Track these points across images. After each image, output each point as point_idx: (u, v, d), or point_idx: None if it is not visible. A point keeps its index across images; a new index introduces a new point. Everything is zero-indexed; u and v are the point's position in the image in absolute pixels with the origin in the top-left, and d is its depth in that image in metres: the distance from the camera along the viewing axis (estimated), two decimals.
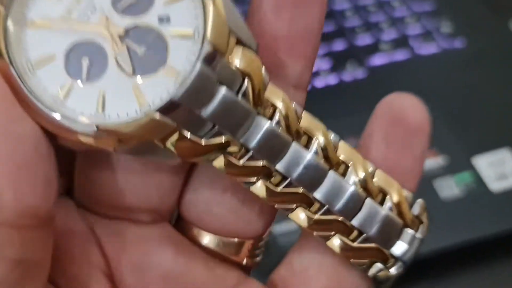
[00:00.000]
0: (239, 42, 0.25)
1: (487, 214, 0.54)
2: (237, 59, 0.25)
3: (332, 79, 0.64)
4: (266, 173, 0.26)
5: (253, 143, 0.25)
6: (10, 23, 0.24)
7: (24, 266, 0.23)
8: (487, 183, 0.55)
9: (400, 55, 0.66)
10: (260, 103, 0.26)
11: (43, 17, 0.25)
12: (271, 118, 0.26)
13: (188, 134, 0.24)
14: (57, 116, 0.23)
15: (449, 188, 0.55)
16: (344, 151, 0.27)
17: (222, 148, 0.25)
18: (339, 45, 0.67)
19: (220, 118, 0.25)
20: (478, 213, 0.54)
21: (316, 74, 0.64)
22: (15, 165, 0.22)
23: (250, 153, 0.25)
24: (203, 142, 0.25)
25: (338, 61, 0.65)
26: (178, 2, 0.25)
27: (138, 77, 0.24)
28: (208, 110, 0.24)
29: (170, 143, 0.24)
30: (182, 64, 0.24)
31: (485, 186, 0.55)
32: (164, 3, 0.25)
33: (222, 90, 0.24)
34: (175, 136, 0.24)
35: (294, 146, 0.26)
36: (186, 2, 0.25)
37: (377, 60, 0.66)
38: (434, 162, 0.56)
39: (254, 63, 0.25)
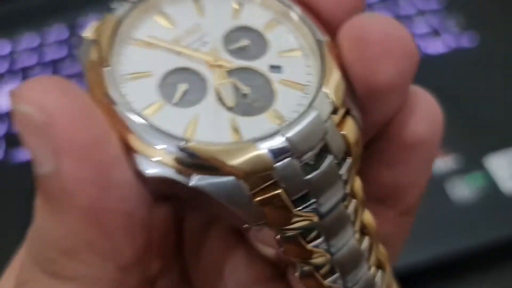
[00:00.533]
0: (348, 112, 0.24)
1: (499, 216, 0.53)
2: (347, 127, 0.24)
3: None
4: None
5: (337, 254, 0.24)
6: (117, 38, 0.24)
7: None
8: (499, 184, 0.54)
9: None
10: (349, 182, 0.25)
11: (150, 37, 0.25)
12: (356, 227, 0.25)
13: (282, 192, 0.22)
14: (140, 124, 0.22)
15: (460, 189, 0.53)
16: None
17: (306, 231, 0.24)
18: None
19: (318, 184, 0.23)
20: (490, 216, 0.52)
21: None
22: (128, 218, 0.21)
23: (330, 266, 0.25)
24: (294, 209, 0.23)
25: None
26: (292, 56, 0.25)
27: (237, 113, 0.24)
28: (310, 175, 0.23)
29: (258, 198, 0.22)
30: (289, 111, 0.24)
31: (497, 187, 0.54)
32: (278, 53, 0.26)
33: (330, 157, 0.23)
34: (266, 191, 0.22)
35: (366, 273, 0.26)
36: (300, 58, 0.25)
37: None
38: (444, 162, 0.55)
39: (359, 138, 0.25)
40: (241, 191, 0.21)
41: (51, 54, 0.69)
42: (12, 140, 0.62)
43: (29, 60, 0.69)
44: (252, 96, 0.24)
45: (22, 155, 0.60)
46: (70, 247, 0.21)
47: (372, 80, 0.24)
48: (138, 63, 0.24)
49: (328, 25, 0.26)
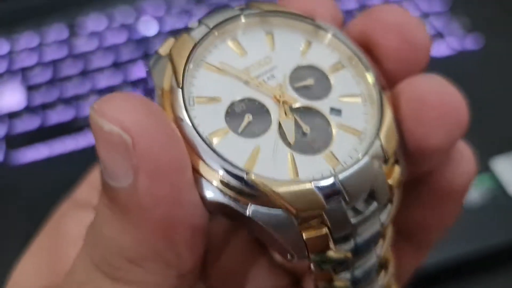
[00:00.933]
0: (397, 162, 0.26)
1: (506, 218, 0.52)
2: (394, 177, 0.26)
3: None
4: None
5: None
6: (192, 60, 0.26)
7: None
8: (506, 186, 0.54)
9: None
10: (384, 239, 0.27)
11: (222, 63, 0.26)
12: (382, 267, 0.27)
13: (327, 232, 0.24)
14: (206, 149, 0.24)
15: (469, 192, 0.53)
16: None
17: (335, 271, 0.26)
18: None
19: (360, 227, 0.25)
20: (497, 218, 0.52)
21: None
22: (192, 232, 0.23)
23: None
24: (334, 247, 0.25)
25: None
26: (353, 101, 0.27)
27: (296, 150, 0.25)
28: (355, 218, 0.25)
29: (305, 233, 0.24)
30: (344, 155, 0.25)
31: (503, 189, 0.53)
32: (339, 96, 0.27)
33: (374, 204, 0.25)
34: (313, 227, 0.24)
35: None
36: (360, 104, 0.27)
37: None
38: None
39: (402, 188, 0.27)
40: (291, 224, 0.23)
41: (51, 54, 0.68)
42: (12, 142, 0.61)
43: (29, 60, 0.68)
44: (311, 135, 0.25)
45: (22, 157, 0.59)
46: (137, 256, 0.22)
47: (424, 141, 0.26)
48: (209, 88, 0.26)
49: (388, 77, 0.27)
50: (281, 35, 0.28)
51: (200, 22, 0.27)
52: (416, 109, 0.26)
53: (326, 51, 0.28)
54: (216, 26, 0.27)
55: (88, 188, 0.32)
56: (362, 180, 0.24)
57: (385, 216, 0.26)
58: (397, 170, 0.25)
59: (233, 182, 0.23)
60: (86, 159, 0.57)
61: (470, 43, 0.66)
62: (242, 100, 0.26)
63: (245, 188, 0.23)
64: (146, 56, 0.66)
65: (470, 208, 0.52)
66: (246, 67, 0.26)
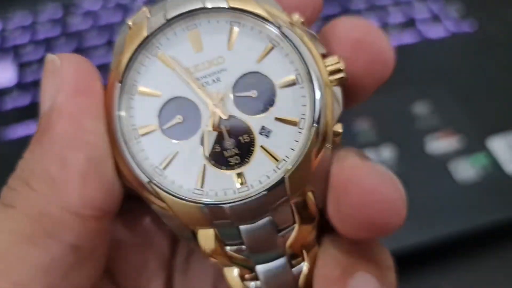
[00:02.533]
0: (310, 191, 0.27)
1: (502, 196, 0.52)
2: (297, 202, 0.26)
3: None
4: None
5: (263, 277, 0.27)
6: (144, 51, 0.26)
7: (80, 252, 0.25)
8: (503, 165, 0.53)
9: (408, 38, 0.64)
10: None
11: (171, 57, 0.26)
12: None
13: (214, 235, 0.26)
14: (128, 145, 0.25)
15: (464, 170, 0.53)
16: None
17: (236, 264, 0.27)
18: None
19: (252, 241, 0.26)
20: (494, 196, 0.52)
21: None
22: (87, 157, 0.24)
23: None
24: (227, 249, 0.26)
25: None
26: (287, 126, 0.26)
27: (211, 162, 0.26)
28: (244, 227, 0.26)
29: (199, 232, 0.26)
30: (254, 178, 0.25)
31: (500, 168, 0.53)
32: (275, 119, 0.26)
33: (266, 219, 0.26)
34: (208, 232, 0.26)
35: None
36: (293, 131, 0.26)
37: None
38: (448, 142, 0.54)
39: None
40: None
41: (44, 32, 0.67)
42: (3, 118, 0.60)
43: (21, 38, 0.67)
44: (232, 151, 0.26)
45: (12, 133, 0.58)
46: (31, 177, 0.24)
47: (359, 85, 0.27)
48: (154, 80, 0.26)
49: (352, 90, 0.27)
50: (243, 35, 0.27)
51: (162, 7, 0.27)
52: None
53: (284, 62, 0.26)
54: (178, 17, 0.26)
55: None
56: (254, 211, 0.25)
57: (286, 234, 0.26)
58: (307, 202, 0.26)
59: (141, 179, 0.25)
60: None
61: (465, 25, 0.66)
62: (178, 99, 0.26)
63: (150, 188, 0.25)
64: None
65: (467, 186, 0.52)
66: (195, 65, 0.26)
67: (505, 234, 0.51)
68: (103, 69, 0.64)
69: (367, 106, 0.56)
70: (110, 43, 0.65)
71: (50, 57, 0.26)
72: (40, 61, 0.64)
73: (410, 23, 0.66)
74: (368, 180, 0.25)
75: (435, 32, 0.65)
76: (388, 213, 0.24)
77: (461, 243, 0.50)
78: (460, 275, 0.50)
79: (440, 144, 0.54)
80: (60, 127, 0.24)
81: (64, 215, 0.24)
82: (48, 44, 0.66)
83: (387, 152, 0.54)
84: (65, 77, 0.25)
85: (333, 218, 0.26)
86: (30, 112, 0.60)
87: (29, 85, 0.62)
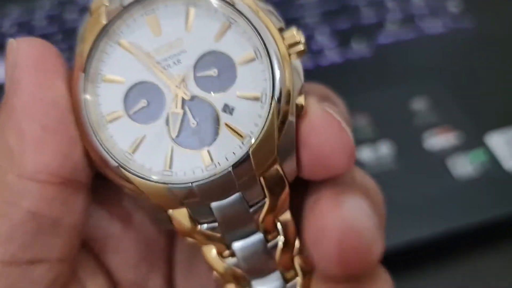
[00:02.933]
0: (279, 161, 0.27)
1: (501, 193, 0.52)
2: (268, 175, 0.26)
3: (337, 57, 0.62)
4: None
5: (240, 253, 0.27)
6: (105, 39, 0.26)
7: (41, 219, 0.25)
8: (501, 161, 0.53)
9: (407, 34, 0.64)
10: (270, 230, 0.28)
11: (132, 44, 0.26)
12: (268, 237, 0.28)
13: (187, 215, 0.26)
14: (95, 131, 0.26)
15: (462, 166, 0.52)
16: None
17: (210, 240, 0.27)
18: (343, 23, 0.65)
19: (224, 218, 0.26)
20: (493, 192, 0.51)
21: (321, 52, 0.62)
22: (42, 126, 0.24)
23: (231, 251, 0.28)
24: (198, 227, 0.27)
25: (343, 39, 0.63)
26: (250, 102, 0.26)
27: (178, 143, 0.26)
28: (215, 205, 0.26)
29: (172, 213, 0.26)
30: (220, 155, 0.26)
31: (499, 164, 0.53)
32: (238, 93, 0.26)
33: (236, 195, 0.26)
34: (181, 211, 0.26)
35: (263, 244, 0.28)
36: (256, 106, 0.26)
37: (383, 38, 0.64)
38: (447, 139, 0.54)
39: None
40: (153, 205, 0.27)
41: (41, 29, 0.67)
42: None
43: (18, 35, 0.67)
44: (197, 129, 0.26)
45: None
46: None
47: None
48: (117, 67, 0.26)
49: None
50: (200, 16, 0.27)
51: None
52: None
53: (242, 39, 0.26)
54: (135, 3, 0.26)
55: None
56: (221, 188, 0.25)
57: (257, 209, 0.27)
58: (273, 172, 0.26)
59: (110, 164, 0.26)
60: None
61: (464, 21, 0.66)
62: (142, 84, 0.26)
63: (121, 173, 0.25)
64: None
65: (465, 182, 0.52)
66: (156, 49, 0.26)
67: (504, 231, 0.51)
68: None
69: (364, 102, 0.56)
70: None
71: (10, 40, 0.26)
72: None
73: (408, 19, 0.66)
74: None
75: (434, 28, 0.65)
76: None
77: (459, 240, 0.50)
78: (458, 271, 0.49)
79: (438, 140, 0.54)
80: (16, 100, 0.25)
81: (21, 182, 0.24)
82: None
83: (384, 149, 0.54)
84: (21, 55, 0.26)
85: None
86: None
87: None
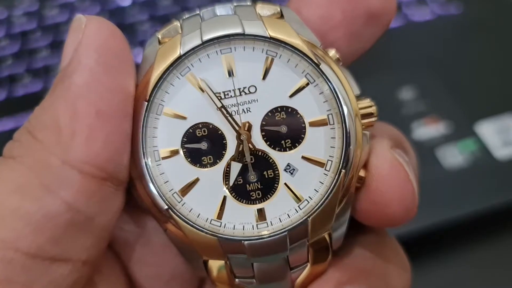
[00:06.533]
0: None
1: (492, 182, 0.51)
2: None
3: None
4: None
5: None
6: (175, 70, 0.25)
7: (76, 215, 0.23)
8: (492, 150, 0.52)
9: (394, 22, 0.63)
10: None
11: (202, 80, 0.25)
12: None
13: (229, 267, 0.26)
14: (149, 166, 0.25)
15: (453, 156, 0.51)
16: None
17: None
18: None
19: (264, 276, 0.26)
20: (484, 181, 0.50)
21: None
22: (97, 111, 0.23)
23: None
24: (236, 281, 0.26)
25: None
26: (313, 166, 0.25)
27: (232, 194, 0.25)
28: (259, 263, 0.25)
29: (212, 264, 0.26)
30: (274, 215, 0.25)
31: (489, 153, 0.52)
32: (302, 157, 0.25)
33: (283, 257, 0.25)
34: (220, 263, 0.25)
35: None
36: (318, 171, 0.25)
37: None
38: (435, 129, 0.53)
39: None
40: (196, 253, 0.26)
41: (20, 26, 0.65)
42: None
43: None
44: (255, 185, 0.25)
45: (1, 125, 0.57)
46: (36, 125, 0.23)
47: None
48: (181, 102, 0.25)
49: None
50: (278, 67, 0.26)
51: (196, 25, 0.26)
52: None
53: (317, 101, 0.26)
54: (214, 39, 0.25)
55: None
56: (270, 250, 0.25)
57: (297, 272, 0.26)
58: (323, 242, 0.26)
59: (159, 204, 0.25)
60: None
61: (451, 8, 0.65)
62: (205, 125, 0.25)
63: (168, 214, 0.24)
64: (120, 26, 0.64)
65: (456, 172, 0.51)
66: (226, 91, 0.25)
67: (495, 220, 0.50)
68: None
69: None
70: None
71: (77, 16, 0.25)
72: (16, 55, 0.62)
73: None
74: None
75: (421, 15, 0.64)
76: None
77: (450, 230, 0.49)
78: (448, 262, 0.49)
79: (427, 130, 0.53)
80: (76, 77, 0.24)
81: (64, 169, 0.23)
82: (24, 38, 0.64)
83: None
84: (88, 33, 0.24)
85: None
86: (6, 108, 0.58)
87: (4, 80, 0.60)
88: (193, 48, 0.25)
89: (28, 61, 0.62)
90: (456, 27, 0.63)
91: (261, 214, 0.25)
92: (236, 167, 0.25)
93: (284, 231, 0.24)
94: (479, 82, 0.58)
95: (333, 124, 0.25)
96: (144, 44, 0.61)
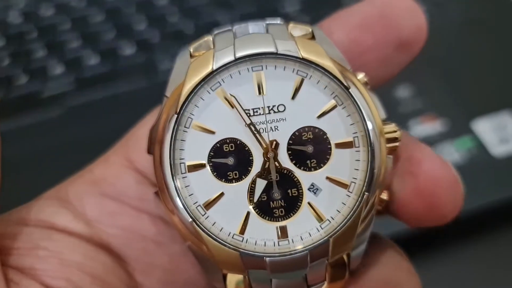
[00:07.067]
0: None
1: (490, 179, 0.51)
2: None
3: None
4: None
5: None
6: (206, 85, 0.26)
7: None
8: (489, 148, 0.52)
9: None
10: None
11: (234, 97, 0.26)
12: None
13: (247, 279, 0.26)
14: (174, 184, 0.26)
15: (450, 153, 0.52)
16: None
17: None
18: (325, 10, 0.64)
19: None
20: (481, 179, 0.51)
21: None
22: None
23: None
24: None
25: None
26: (337, 187, 0.26)
27: (256, 210, 0.25)
28: (278, 279, 0.25)
29: (231, 277, 0.26)
30: (296, 233, 0.25)
31: (486, 150, 0.52)
32: (326, 178, 0.26)
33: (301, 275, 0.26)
34: (239, 277, 0.26)
35: None
36: (342, 193, 0.26)
37: None
38: (432, 126, 0.53)
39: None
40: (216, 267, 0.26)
41: (16, 27, 0.65)
42: None
43: None
44: (278, 202, 0.25)
45: None
46: None
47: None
48: (210, 116, 0.26)
49: None
50: (308, 87, 0.26)
51: (229, 41, 0.26)
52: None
53: (345, 123, 0.26)
54: (246, 57, 0.26)
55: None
56: (290, 267, 0.25)
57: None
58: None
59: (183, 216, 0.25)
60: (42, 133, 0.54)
61: (448, 4, 0.65)
62: (232, 141, 0.26)
63: (191, 227, 0.25)
64: (116, 27, 0.64)
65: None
66: (255, 108, 0.26)
67: (492, 217, 0.50)
68: (73, 61, 0.60)
69: None
70: (83, 37, 0.63)
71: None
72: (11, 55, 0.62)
73: None
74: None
75: None
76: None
77: (448, 228, 0.49)
78: (446, 259, 0.49)
79: (424, 127, 0.53)
80: None
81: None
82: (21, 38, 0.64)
83: None
84: None
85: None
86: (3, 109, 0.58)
87: (2, 80, 0.60)
88: (225, 64, 0.25)
89: (25, 62, 0.62)
90: (454, 24, 0.63)
91: (283, 231, 0.25)
92: (261, 184, 0.26)
93: (306, 250, 0.25)
94: (476, 80, 0.58)
95: (359, 146, 0.26)
96: (143, 45, 0.61)
